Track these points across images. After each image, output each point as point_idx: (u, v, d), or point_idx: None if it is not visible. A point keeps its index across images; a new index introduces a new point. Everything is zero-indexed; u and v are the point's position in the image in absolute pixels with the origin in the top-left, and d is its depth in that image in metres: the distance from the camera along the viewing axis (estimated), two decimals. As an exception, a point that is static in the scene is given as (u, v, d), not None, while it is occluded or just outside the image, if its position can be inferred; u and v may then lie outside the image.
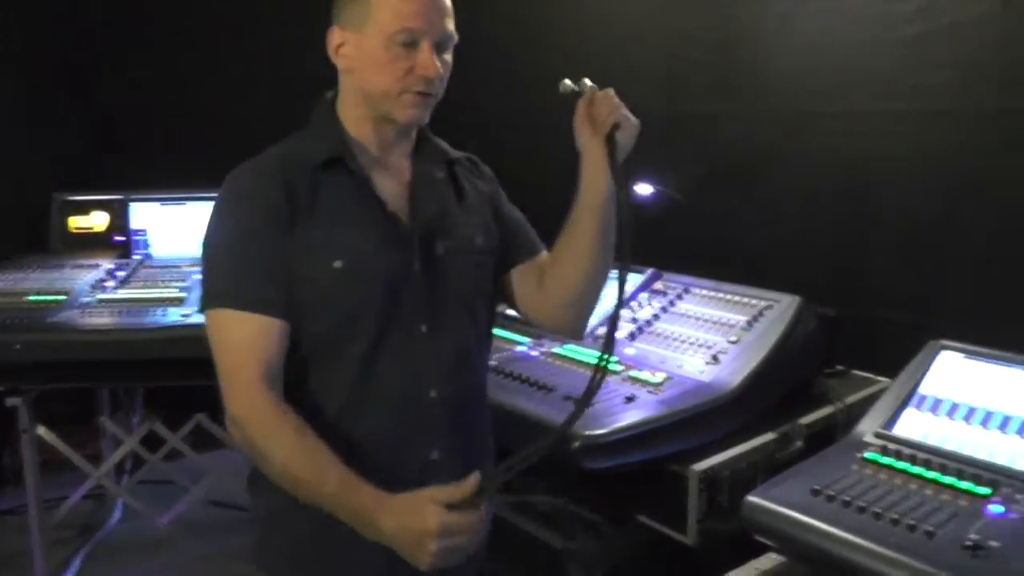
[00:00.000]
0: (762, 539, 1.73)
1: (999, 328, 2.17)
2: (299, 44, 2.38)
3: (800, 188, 2.73)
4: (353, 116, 1.59)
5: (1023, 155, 2.26)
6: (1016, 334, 2.07)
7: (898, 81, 2.47)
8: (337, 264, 1.50)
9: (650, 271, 2.71)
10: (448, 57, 1.56)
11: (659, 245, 2.59)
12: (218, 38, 4.01)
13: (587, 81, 1.61)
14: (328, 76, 1.60)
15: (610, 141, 1.55)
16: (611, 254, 1.64)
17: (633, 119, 1.57)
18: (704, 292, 2.55)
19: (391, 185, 1.61)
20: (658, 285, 2.66)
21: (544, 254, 1.75)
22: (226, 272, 1.51)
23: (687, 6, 3.01)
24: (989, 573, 1.49)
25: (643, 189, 2.61)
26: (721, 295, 2.51)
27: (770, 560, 1.77)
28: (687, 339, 2.39)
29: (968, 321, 2.30)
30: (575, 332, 1.77)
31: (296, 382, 1.51)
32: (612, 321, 1.44)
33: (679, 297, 2.57)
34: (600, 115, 1.56)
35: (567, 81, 1.61)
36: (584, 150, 1.61)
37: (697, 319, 2.45)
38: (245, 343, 1.46)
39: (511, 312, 1.82)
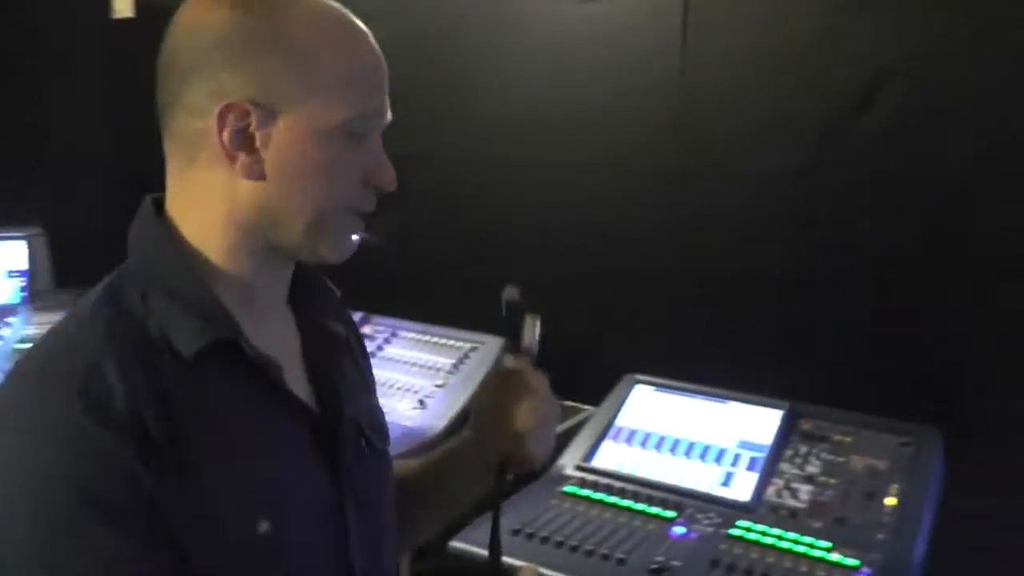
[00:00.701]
0: (467, 583, 1.77)
1: (684, 362, 2.36)
2: None
3: (501, 228, 2.82)
4: (221, 246, 1.01)
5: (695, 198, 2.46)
6: (698, 368, 2.26)
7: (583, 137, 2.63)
8: (262, 527, 0.96)
9: (360, 314, 2.71)
10: None
11: (366, 287, 2.61)
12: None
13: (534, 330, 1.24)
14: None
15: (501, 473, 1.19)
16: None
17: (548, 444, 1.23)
18: (412, 335, 2.59)
19: (278, 352, 1.05)
20: (367, 329, 2.66)
21: None
22: None
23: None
24: (671, 593, 1.61)
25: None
26: (428, 338, 2.56)
27: (479, 598, 1.82)
28: (395, 384, 2.41)
29: (659, 355, 2.49)
30: None
31: None
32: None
33: (387, 341, 2.60)
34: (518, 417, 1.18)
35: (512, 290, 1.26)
36: (474, 430, 1.26)
37: (405, 363, 2.49)
38: None
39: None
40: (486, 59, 2.76)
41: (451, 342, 2.51)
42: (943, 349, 2.16)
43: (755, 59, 2.32)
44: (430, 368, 2.44)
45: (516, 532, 1.78)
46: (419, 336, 2.57)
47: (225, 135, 0.95)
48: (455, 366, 2.41)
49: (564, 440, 2.27)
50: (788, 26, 2.27)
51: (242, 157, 0.96)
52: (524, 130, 2.69)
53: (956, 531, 1.83)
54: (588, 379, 2.56)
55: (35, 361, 0.95)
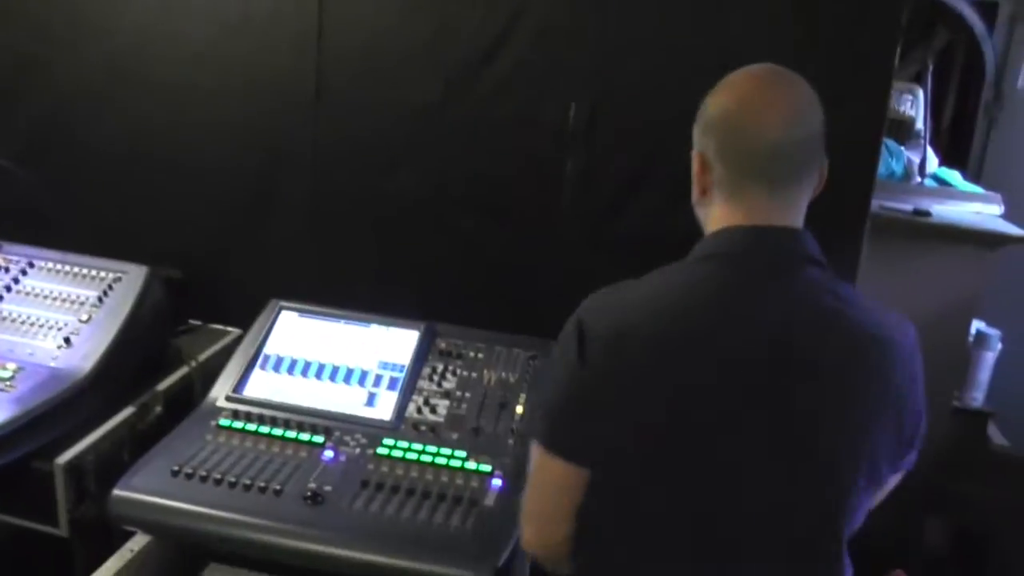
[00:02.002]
0: (131, 528, 1.84)
1: (326, 287, 2.50)
2: None
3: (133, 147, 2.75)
4: None
5: (340, 127, 2.56)
6: (340, 292, 2.41)
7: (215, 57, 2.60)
8: None
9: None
10: None
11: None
12: None
13: None
14: None
15: None
16: None
17: None
18: (50, 265, 2.47)
19: None
20: (-1, 259, 2.53)
21: None
22: None
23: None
24: (324, 516, 1.78)
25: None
26: (68, 268, 2.45)
27: (144, 538, 1.89)
28: (36, 321, 2.32)
29: (302, 279, 2.60)
30: None
31: None
32: None
33: (23, 272, 2.47)
34: None
35: None
36: None
37: (46, 297, 2.38)
38: None
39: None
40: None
41: (93, 272, 2.42)
42: (551, 271, 2.47)
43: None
44: (73, 302, 2.36)
45: (176, 473, 1.85)
46: (59, 266, 2.46)
47: None
48: (100, 298, 2.36)
49: (216, 366, 2.36)
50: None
51: None
52: (155, 47, 2.63)
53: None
54: (229, 302, 2.64)
55: None
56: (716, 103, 1.42)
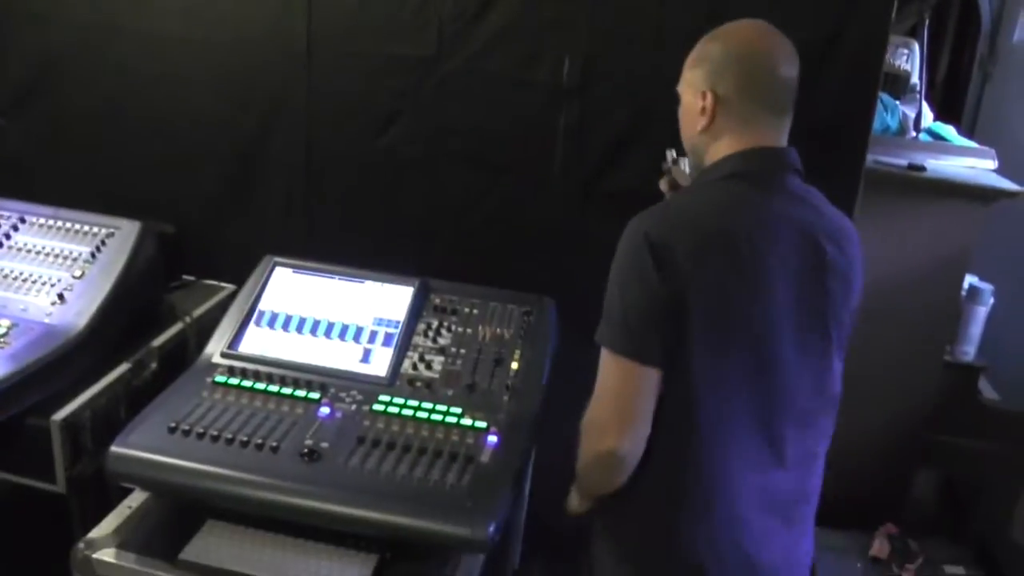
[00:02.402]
0: (128, 485, 1.85)
1: (319, 243, 2.49)
2: None
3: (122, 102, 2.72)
4: None
5: (332, 84, 2.53)
6: (334, 249, 2.40)
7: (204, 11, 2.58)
8: None
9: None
10: None
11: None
12: None
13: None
14: None
15: None
16: None
17: None
18: (42, 221, 2.46)
19: None
20: (-10, 215, 2.51)
21: None
22: None
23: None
24: (321, 473, 1.79)
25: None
26: (61, 223, 2.44)
27: (141, 495, 1.91)
28: (29, 277, 2.32)
29: (296, 234, 2.60)
30: None
31: None
32: None
33: (14, 228, 2.46)
34: None
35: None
36: None
37: (38, 253, 2.38)
38: None
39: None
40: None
41: (86, 227, 2.42)
42: (544, 226, 2.46)
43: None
44: (66, 257, 2.36)
45: (172, 430, 1.85)
46: (51, 222, 2.45)
47: None
48: (92, 254, 2.35)
49: (210, 322, 2.36)
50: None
51: None
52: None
53: (569, 377, 2.15)
54: (222, 258, 2.63)
55: None
56: (727, 46, 1.67)
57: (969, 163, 2.85)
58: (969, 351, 2.91)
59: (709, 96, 1.65)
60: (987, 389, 3.03)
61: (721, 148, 1.67)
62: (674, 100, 1.78)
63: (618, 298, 1.58)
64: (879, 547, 2.60)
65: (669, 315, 1.54)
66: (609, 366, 1.59)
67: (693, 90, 1.69)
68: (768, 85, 1.65)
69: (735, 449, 1.62)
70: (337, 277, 2.30)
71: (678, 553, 1.64)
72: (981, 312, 2.88)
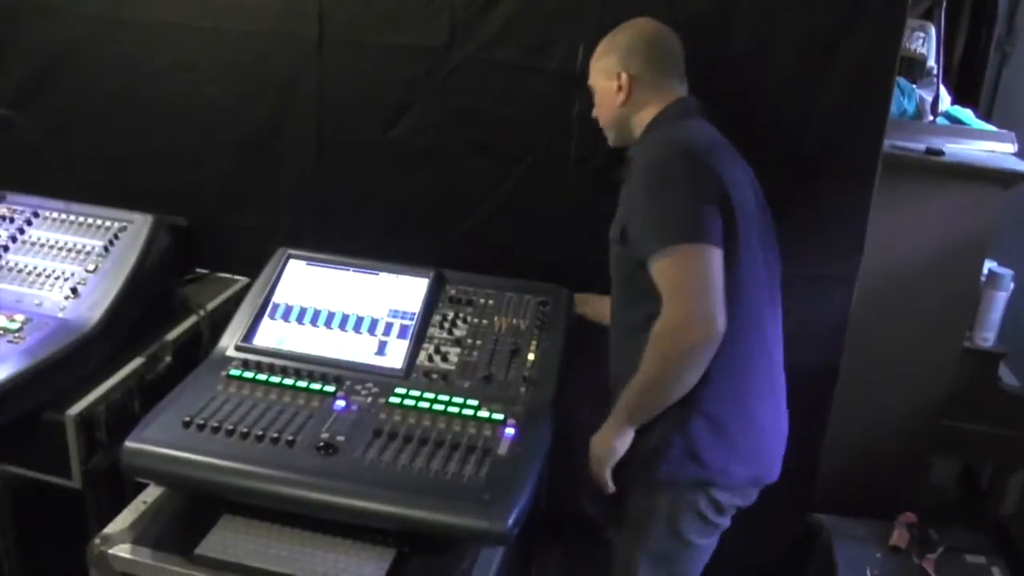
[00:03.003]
0: (144, 480, 1.85)
1: (330, 234, 2.48)
2: None
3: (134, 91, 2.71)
4: None
5: (344, 75, 2.52)
6: (345, 241, 2.39)
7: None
8: None
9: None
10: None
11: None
12: None
13: None
14: None
15: None
16: None
17: None
18: (55, 215, 2.46)
19: None
20: (2, 210, 2.50)
21: None
22: None
23: None
24: (338, 466, 1.77)
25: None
26: (73, 217, 2.44)
27: (156, 490, 1.90)
28: (43, 272, 2.31)
29: (309, 226, 2.58)
30: None
31: None
32: None
33: (28, 223, 2.46)
34: None
35: None
36: None
37: (52, 247, 2.37)
38: None
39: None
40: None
41: (99, 221, 2.42)
42: (558, 214, 2.44)
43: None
44: (79, 252, 2.35)
45: (187, 424, 1.84)
46: (63, 216, 2.45)
47: None
48: (106, 248, 2.35)
49: (224, 315, 2.35)
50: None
51: None
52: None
53: (586, 367, 2.15)
54: (235, 251, 2.62)
55: None
56: (630, 36, 2.04)
57: (988, 147, 2.80)
58: (989, 337, 2.87)
59: (624, 75, 2.00)
60: (1007, 375, 2.99)
61: (646, 114, 2.01)
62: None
63: (675, 201, 1.82)
64: (899, 536, 2.57)
65: (722, 209, 1.81)
66: (687, 259, 1.78)
67: (607, 75, 2.04)
68: (669, 57, 2.03)
69: (766, 325, 1.97)
70: (351, 269, 2.28)
71: (755, 430, 1.95)
72: (1001, 297, 2.84)
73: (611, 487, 1.96)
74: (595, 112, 2.13)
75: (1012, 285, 2.86)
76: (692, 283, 1.77)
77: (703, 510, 1.94)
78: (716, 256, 1.78)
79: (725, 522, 2.01)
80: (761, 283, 1.94)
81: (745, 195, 1.90)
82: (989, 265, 2.87)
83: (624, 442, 1.92)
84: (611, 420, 1.93)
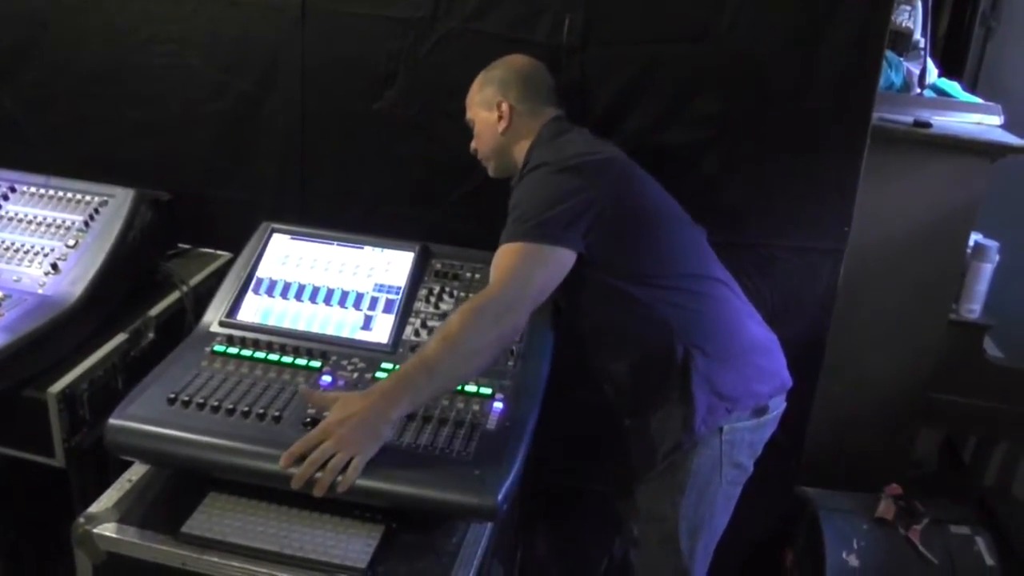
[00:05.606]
0: (128, 458, 1.82)
1: (315, 208, 2.45)
2: None
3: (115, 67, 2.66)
4: None
5: (327, 47, 2.48)
6: (330, 214, 2.36)
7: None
8: None
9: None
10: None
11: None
12: None
13: None
14: None
15: None
16: None
17: None
18: (32, 190, 2.41)
19: None
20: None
21: None
22: None
23: None
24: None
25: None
26: (52, 192, 2.40)
27: (141, 468, 1.87)
28: (21, 247, 2.27)
29: (292, 199, 2.55)
30: None
31: None
32: None
33: (5, 198, 2.41)
34: None
35: None
36: None
37: (30, 223, 2.33)
38: None
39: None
40: None
41: (79, 196, 2.37)
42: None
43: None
44: (59, 227, 2.31)
45: (172, 401, 1.81)
46: (42, 191, 2.40)
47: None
48: (86, 223, 2.31)
49: (207, 290, 2.32)
50: None
51: None
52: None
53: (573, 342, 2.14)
54: (218, 225, 2.59)
55: None
56: (505, 70, 2.19)
57: (975, 119, 2.80)
58: (975, 309, 2.88)
59: (504, 104, 2.14)
60: (992, 348, 3.00)
61: (525, 142, 2.13)
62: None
63: (535, 205, 1.91)
64: (885, 508, 2.58)
65: (601, 209, 1.92)
66: (523, 253, 1.87)
67: (486, 107, 2.18)
68: (542, 87, 2.19)
69: (717, 270, 2.12)
70: (336, 243, 2.26)
71: (756, 347, 2.08)
72: (987, 269, 2.85)
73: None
74: (473, 145, 2.24)
75: (998, 257, 2.86)
76: (518, 273, 1.85)
77: (747, 437, 2.06)
78: (555, 257, 1.88)
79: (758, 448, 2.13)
80: (697, 239, 2.12)
81: (636, 185, 2.05)
82: (975, 237, 2.87)
83: (393, 427, 1.72)
84: (389, 387, 1.72)
